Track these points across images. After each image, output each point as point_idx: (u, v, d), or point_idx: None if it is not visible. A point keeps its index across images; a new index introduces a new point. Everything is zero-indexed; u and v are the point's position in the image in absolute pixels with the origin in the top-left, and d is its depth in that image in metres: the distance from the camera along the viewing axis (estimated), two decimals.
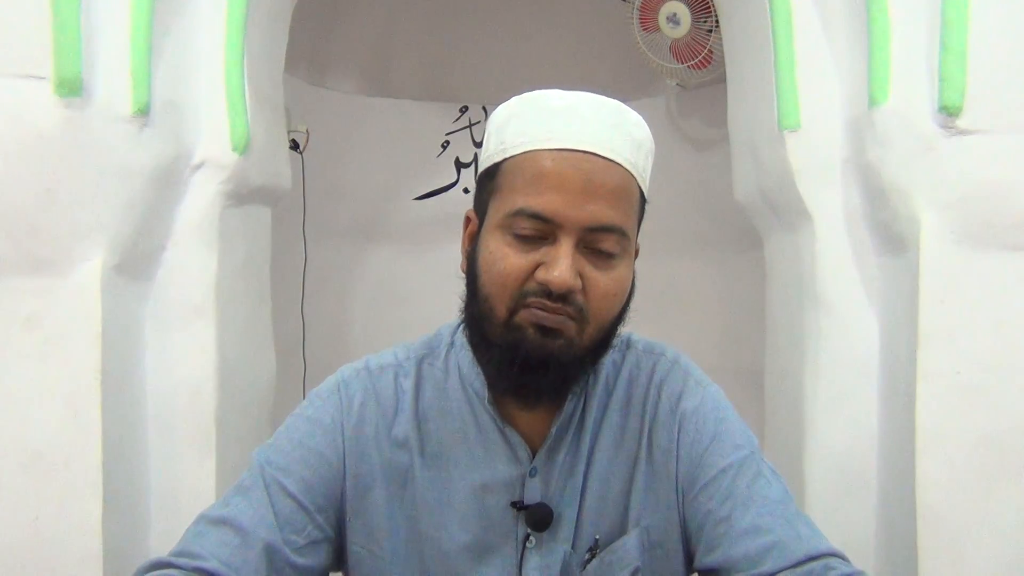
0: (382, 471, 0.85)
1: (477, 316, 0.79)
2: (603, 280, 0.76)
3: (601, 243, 0.76)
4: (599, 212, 0.75)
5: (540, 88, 0.81)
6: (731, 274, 2.32)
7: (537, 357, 0.75)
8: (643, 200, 0.83)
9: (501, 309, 0.76)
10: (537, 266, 0.75)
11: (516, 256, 0.76)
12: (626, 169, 0.78)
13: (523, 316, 0.75)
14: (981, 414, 1.22)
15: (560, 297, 0.74)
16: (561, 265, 0.74)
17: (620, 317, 0.81)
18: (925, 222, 1.23)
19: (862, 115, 1.31)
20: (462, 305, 0.83)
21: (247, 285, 1.52)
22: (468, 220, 0.84)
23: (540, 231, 0.75)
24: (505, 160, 0.79)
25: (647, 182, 0.83)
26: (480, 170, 0.84)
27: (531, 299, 0.75)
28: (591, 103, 0.79)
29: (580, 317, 0.76)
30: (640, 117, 0.81)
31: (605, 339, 0.80)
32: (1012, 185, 1.20)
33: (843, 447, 1.38)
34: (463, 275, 0.83)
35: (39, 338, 1.22)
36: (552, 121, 0.77)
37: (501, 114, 0.82)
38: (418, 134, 2.52)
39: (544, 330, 0.75)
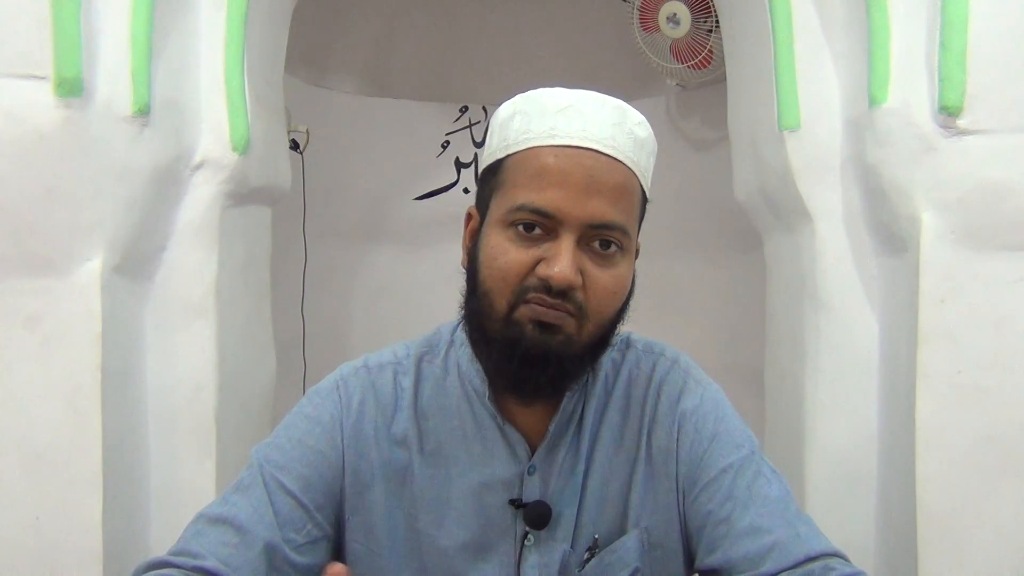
0: (381, 469, 0.85)
1: (477, 311, 0.79)
2: (603, 277, 0.77)
3: (602, 240, 0.76)
4: (601, 209, 0.75)
5: (541, 88, 0.81)
6: (731, 274, 2.32)
7: (536, 353, 0.75)
8: (644, 199, 0.83)
9: (501, 304, 0.76)
10: (538, 261, 0.75)
11: (517, 251, 0.76)
12: (628, 167, 0.78)
13: (522, 312, 0.75)
14: (981, 414, 1.21)
15: (560, 293, 0.74)
16: (562, 261, 0.74)
17: (620, 315, 0.81)
18: (925, 222, 1.23)
19: (862, 115, 1.31)
20: (461, 301, 0.83)
21: (247, 285, 1.52)
22: (470, 216, 0.85)
23: (542, 227, 0.76)
24: (507, 157, 0.79)
25: (649, 181, 0.83)
26: (482, 167, 0.84)
27: (531, 295, 0.75)
28: (594, 101, 0.79)
29: (580, 314, 0.76)
30: (642, 117, 0.81)
31: (604, 337, 0.80)
32: (1012, 185, 1.20)
33: (843, 447, 1.37)
34: (464, 271, 0.83)
35: (39, 338, 1.22)
36: (555, 118, 0.77)
37: (504, 111, 0.82)
38: (418, 134, 2.52)
39: (543, 326, 0.75)
